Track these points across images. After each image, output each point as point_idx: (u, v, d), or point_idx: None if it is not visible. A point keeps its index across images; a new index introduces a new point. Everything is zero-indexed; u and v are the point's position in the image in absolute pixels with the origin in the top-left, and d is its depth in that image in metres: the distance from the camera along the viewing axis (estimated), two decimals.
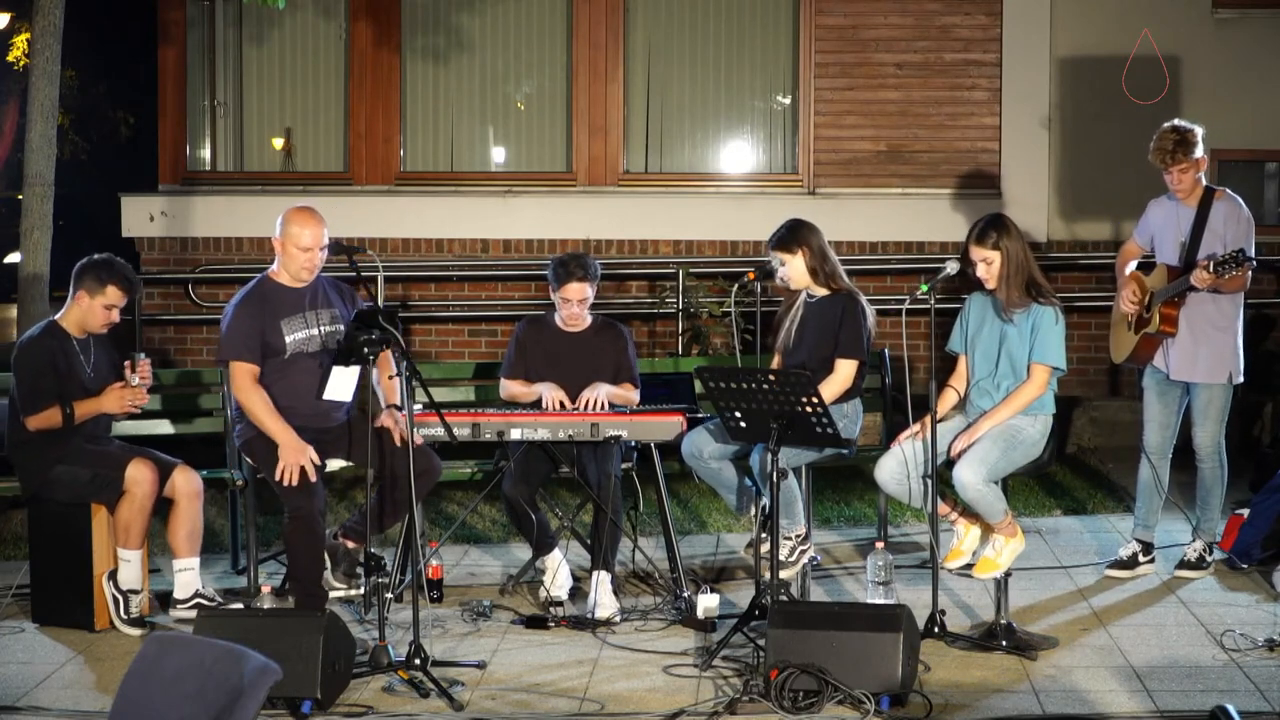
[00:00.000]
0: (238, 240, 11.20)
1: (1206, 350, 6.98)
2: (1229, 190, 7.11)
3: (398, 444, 6.46)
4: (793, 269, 6.72)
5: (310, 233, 6.57)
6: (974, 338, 6.70)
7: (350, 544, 6.67)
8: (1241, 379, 7.08)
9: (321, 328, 6.66)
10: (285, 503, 6.41)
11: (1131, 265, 7.28)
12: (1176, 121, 7.03)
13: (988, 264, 6.52)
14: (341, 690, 5.56)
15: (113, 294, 6.55)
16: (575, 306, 6.90)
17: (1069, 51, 11.00)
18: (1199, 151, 6.94)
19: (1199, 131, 6.97)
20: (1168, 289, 6.96)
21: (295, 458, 6.34)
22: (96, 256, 6.62)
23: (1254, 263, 6.79)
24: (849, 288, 6.75)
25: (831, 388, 6.57)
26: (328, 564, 6.65)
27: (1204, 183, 7.06)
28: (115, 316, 6.62)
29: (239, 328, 6.56)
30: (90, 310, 6.56)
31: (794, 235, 6.71)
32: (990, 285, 6.57)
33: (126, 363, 6.59)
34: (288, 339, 6.60)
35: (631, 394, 6.95)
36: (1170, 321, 6.96)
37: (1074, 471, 9.53)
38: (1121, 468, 9.35)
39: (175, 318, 11.31)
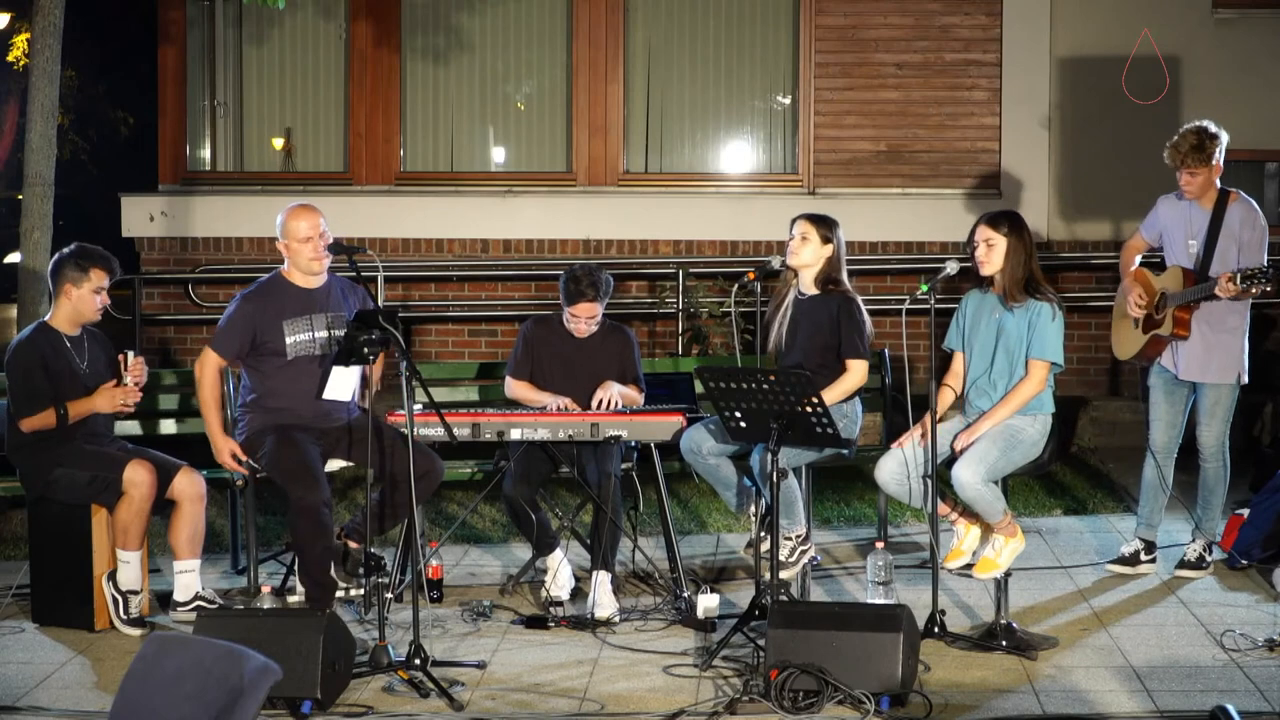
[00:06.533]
0: (238, 240, 11.20)
1: (1216, 351, 6.96)
2: (1243, 194, 7.08)
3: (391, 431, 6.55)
4: (811, 251, 6.71)
5: (305, 222, 6.60)
6: (970, 335, 6.70)
7: (352, 544, 6.68)
8: (1246, 379, 7.08)
9: (327, 331, 6.65)
10: (289, 495, 6.41)
11: (1136, 261, 7.26)
12: (1202, 124, 6.95)
13: (989, 245, 6.52)
14: (341, 690, 5.56)
15: (97, 276, 6.55)
16: (583, 323, 6.90)
17: (1069, 51, 11.00)
18: (1216, 158, 6.90)
19: (1222, 138, 6.91)
20: (1186, 293, 6.91)
21: (220, 456, 6.69)
22: (67, 250, 6.62)
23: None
24: (848, 290, 6.75)
25: (843, 387, 6.60)
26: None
27: (1218, 185, 7.03)
28: (106, 299, 6.63)
29: (232, 322, 6.66)
30: (81, 300, 6.56)
31: (831, 225, 6.74)
32: (986, 270, 6.56)
33: (120, 356, 6.59)
34: (288, 340, 6.60)
35: (637, 397, 6.97)
36: (1184, 325, 6.93)
37: (1074, 471, 9.53)
38: (1122, 467, 9.35)
39: (175, 318, 11.31)
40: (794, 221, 6.77)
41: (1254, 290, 6.68)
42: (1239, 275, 6.67)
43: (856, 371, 6.65)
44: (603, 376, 6.91)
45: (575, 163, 11.26)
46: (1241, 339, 7.04)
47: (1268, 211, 11.22)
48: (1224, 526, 7.32)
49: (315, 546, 6.39)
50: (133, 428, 7.45)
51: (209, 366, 6.68)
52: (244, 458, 6.66)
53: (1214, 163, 6.90)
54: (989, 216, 6.61)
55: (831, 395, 6.49)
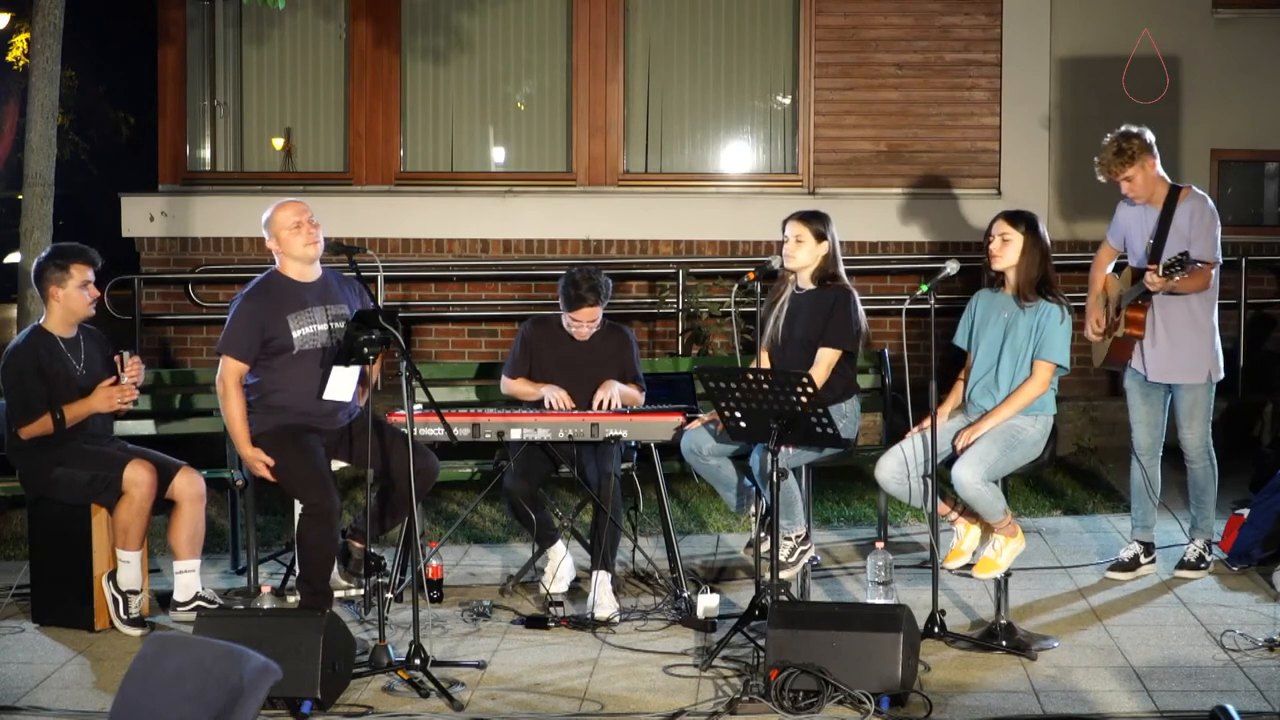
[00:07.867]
0: (238, 240, 11.20)
1: (1183, 352, 6.97)
2: (1195, 187, 7.09)
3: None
4: (806, 252, 6.69)
5: (290, 209, 6.59)
6: (978, 334, 6.70)
7: (358, 545, 6.67)
8: (1221, 375, 7.08)
9: (329, 324, 6.63)
10: (302, 500, 6.40)
11: (1108, 268, 7.27)
12: (1122, 129, 6.99)
13: (1005, 241, 6.54)
14: (341, 690, 5.56)
15: (79, 272, 6.55)
16: (584, 327, 6.90)
17: (1069, 51, 11.00)
18: (1142, 155, 6.91)
19: (1143, 136, 6.93)
20: (1129, 293, 6.98)
21: (254, 468, 6.51)
22: (43, 254, 6.64)
23: (1199, 264, 6.72)
24: (846, 284, 6.74)
25: (817, 380, 6.56)
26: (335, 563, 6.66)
27: (1167, 181, 7.04)
28: (95, 291, 6.62)
29: (239, 323, 6.54)
30: (70, 298, 6.55)
31: (823, 221, 6.73)
32: (998, 264, 6.56)
33: (117, 357, 6.58)
34: (294, 334, 6.57)
35: (638, 396, 6.97)
36: (1136, 324, 6.97)
37: (1074, 472, 9.54)
38: (1121, 467, 9.30)
39: (175, 318, 11.31)
40: (785, 223, 6.75)
41: (1175, 279, 6.68)
42: (1161, 266, 6.69)
43: (823, 360, 6.60)
44: (602, 376, 6.91)
45: (575, 163, 11.26)
46: (1210, 337, 7.01)
47: (1268, 211, 11.25)
48: (1223, 527, 7.32)
49: (320, 553, 6.39)
50: (133, 428, 7.44)
51: (230, 376, 6.52)
52: (271, 462, 6.48)
53: (1141, 160, 6.91)
54: (1009, 213, 6.63)
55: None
